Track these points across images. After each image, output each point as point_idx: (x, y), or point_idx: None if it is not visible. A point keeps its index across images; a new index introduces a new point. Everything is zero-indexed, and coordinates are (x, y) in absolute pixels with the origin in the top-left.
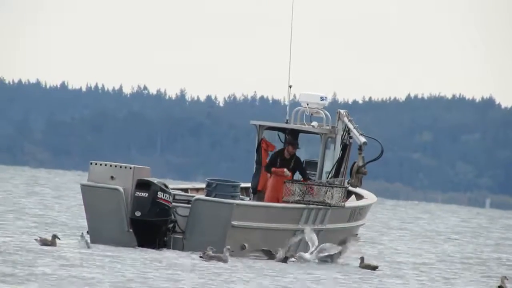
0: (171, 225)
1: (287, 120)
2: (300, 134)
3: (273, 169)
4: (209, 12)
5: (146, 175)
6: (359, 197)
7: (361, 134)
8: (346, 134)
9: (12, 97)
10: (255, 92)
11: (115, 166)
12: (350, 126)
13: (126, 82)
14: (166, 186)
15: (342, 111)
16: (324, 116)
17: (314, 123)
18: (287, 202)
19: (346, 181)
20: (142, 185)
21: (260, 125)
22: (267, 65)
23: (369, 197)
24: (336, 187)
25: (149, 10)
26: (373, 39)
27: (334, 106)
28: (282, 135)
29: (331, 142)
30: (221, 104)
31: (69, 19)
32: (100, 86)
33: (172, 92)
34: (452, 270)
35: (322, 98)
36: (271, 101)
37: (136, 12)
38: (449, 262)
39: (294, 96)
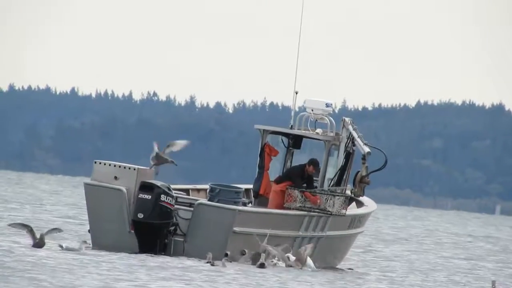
0: (172, 228)
1: (291, 125)
2: (304, 140)
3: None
4: (219, 19)
5: (150, 177)
6: (359, 204)
7: (365, 144)
8: (350, 142)
9: (22, 103)
10: (264, 98)
11: (119, 167)
12: (355, 134)
13: (135, 89)
14: (170, 189)
15: (347, 119)
16: (329, 122)
17: (319, 130)
18: (289, 208)
19: (349, 190)
20: (146, 187)
21: (264, 130)
22: (277, 72)
23: (369, 205)
24: (337, 195)
25: (159, 17)
26: (383, 45)
27: (343, 113)
28: (285, 140)
29: (335, 149)
30: (231, 111)
31: (80, 25)
32: (110, 92)
33: (181, 99)
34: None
35: (327, 105)
36: (280, 108)
37: (146, 19)
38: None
39: (305, 102)
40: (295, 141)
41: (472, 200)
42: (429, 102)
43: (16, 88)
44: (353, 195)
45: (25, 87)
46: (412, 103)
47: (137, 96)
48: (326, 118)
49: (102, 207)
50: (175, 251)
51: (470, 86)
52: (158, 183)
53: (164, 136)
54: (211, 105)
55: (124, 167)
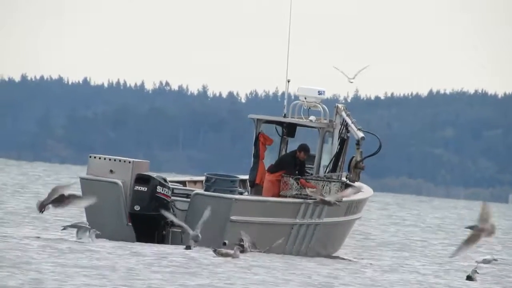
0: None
1: (284, 114)
2: (298, 128)
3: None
4: (231, 9)
5: (145, 169)
6: (355, 190)
7: (359, 129)
8: (344, 128)
9: (34, 93)
10: (276, 88)
11: (114, 160)
12: (348, 120)
13: (148, 78)
14: (165, 181)
15: (340, 105)
16: (322, 110)
17: (312, 117)
18: (285, 196)
19: (345, 176)
20: (142, 179)
21: (258, 119)
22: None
23: (365, 191)
24: (333, 181)
25: (172, 7)
26: (395, 34)
27: (356, 102)
28: (280, 129)
29: (329, 136)
30: (243, 100)
31: (92, 16)
32: (122, 82)
33: (194, 88)
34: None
35: (320, 92)
36: (293, 97)
37: (158, 9)
38: None
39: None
40: (289, 130)
41: (484, 189)
42: (442, 91)
43: (29, 78)
44: (348, 181)
45: (38, 77)
46: (424, 92)
47: (149, 86)
48: (319, 106)
49: (99, 201)
50: (173, 243)
51: (482, 75)
52: (154, 174)
53: (176, 126)
54: (224, 94)
55: (119, 160)
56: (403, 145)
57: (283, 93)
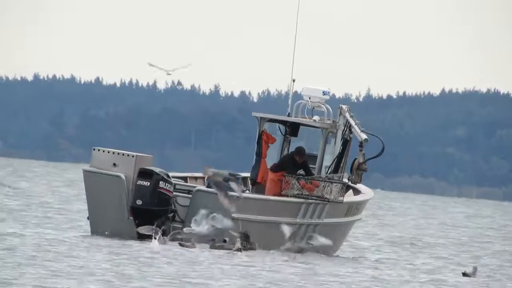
0: (171, 215)
1: (288, 113)
2: (301, 127)
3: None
4: (243, 8)
5: (148, 164)
6: (356, 192)
7: (362, 131)
8: (347, 129)
9: (47, 92)
10: (288, 87)
11: (118, 154)
12: (352, 122)
13: (160, 78)
14: (168, 176)
15: (344, 106)
16: (326, 110)
17: (316, 117)
18: (286, 195)
19: (347, 177)
20: (145, 174)
21: (261, 117)
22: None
23: (366, 193)
24: (335, 182)
25: (184, 6)
26: (407, 33)
27: (368, 102)
28: (283, 128)
29: (332, 136)
30: (255, 100)
31: (105, 15)
32: (134, 81)
33: (206, 88)
34: None
35: (324, 92)
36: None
37: (171, 8)
38: None
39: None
40: (292, 129)
41: (497, 188)
42: (454, 90)
43: (41, 77)
44: (350, 182)
45: (50, 77)
46: (436, 91)
47: (161, 85)
48: (323, 106)
49: (101, 194)
50: (174, 238)
51: (495, 74)
52: (157, 169)
53: (189, 125)
54: (236, 94)
55: (123, 154)
56: (415, 144)
57: (295, 92)
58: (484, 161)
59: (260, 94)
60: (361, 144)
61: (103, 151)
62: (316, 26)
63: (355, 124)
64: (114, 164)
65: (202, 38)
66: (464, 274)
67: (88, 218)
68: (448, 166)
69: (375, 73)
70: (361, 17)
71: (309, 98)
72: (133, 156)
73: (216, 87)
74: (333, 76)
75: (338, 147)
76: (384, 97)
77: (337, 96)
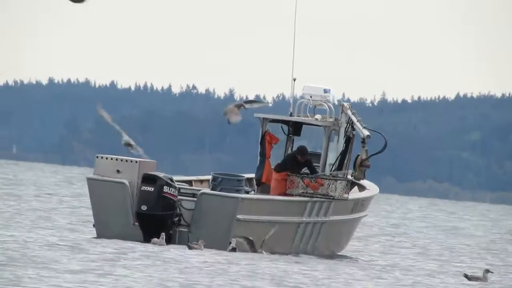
0: (176, 219)
1: (290, 112)
2: (304, 126)
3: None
4: (258, 11)
5: (152, 169)
6: (361, 188)
7: (364, 127)
8: (350, 127)
9: (62, 96)
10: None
11: (121, 160)
12: (354, 119)
13: (175, 82)
14: (172, 180)
15: (345, 104)
16: (328, 108)
17: (318, 116)
18: (291, 194)
19: (350, 174)
20: (148, 179)
21: (264, 118)
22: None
23: (371, 189)
24: (339, 179)
25: (199, 9)
26: (422, 38)
27: (383, 105)
28: (285, 128)
29: (335, 134)
30: (270, 104)
31: (119, 18)
32: (149, 85)
33: (220, 92)
34: None
35: (325, 91)
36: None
37: (185, 11)
38: None
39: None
40: (295, 128)
41: (511, 193)
42: (468, 95)
43: (56, 81)
44: (354, 179)
45: (65, 80)
46: (451, 96)
47: (176, 89)
48: (325, 104)
49: (105, 201)
50: (180, 242)
51: (510, 79)
52: (161, 174)
53: (203, 129)
54: (250, 98)
55: (126, 160)
56: (430, 149)
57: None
58: (499, 165)
59: (274, 98)
60: (363, 141)
61: (106, 158)
62: (332, 30)
63: (357, 121)
64: (118, 171)
65: (217, 41)
66: (467, 277)
67: (93, 225)
68: (462, 170)
69: (390, 77)
70: (377, 22)
71: (311, 97)
72: (136, 162)
73: (231, 90)
74: (348, 80)
75: (341, 145)
76: (399, 101)
77: (351, 100)
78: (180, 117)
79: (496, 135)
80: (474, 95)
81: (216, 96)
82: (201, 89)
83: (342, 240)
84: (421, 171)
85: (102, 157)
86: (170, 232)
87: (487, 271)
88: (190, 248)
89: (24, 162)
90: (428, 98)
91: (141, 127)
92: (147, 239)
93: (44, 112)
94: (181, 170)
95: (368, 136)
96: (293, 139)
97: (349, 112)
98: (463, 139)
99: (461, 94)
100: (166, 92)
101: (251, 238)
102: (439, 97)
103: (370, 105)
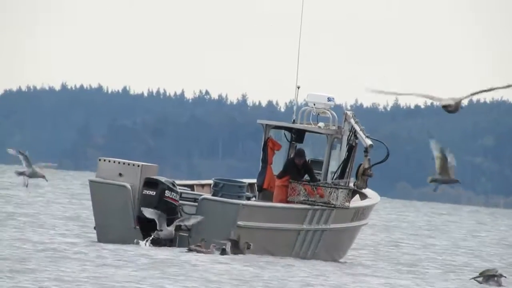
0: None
1: (294, 119)
2: (307, 134)
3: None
4: (273, 16)
5: (154, 173)
6: (363, 196)
7: (367, 137)
8: (352, 135)
9: (74, 102)
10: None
11: (123, 163)
12: (357, 127)
13: (187, 87)
14: (174, 185)
15: (349, 112)
16: (331, 116)
17: (321, 124)
18: (292, 202)
19: (352, 183)
20: (150, 183)
21: (266, 125)
22: (327, 69)
23: (372, 197)
24: (341, 188)
25: (212, 15)
26: (435, 44)
27: (396, 111)
28: (288, 135)
29: (337, 142)
30: (282, 109)
31: (132, 24)
32: (162, 91)
33: (233, 97)
34: None
35: (329, 99)
36: (333, 106)
37: (197, 17)
38: None
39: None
40: (298, 135)
41: None
42: (481, 100)
43: (69, 87)
44: (356, 188)
45: (77, 86)
46: (464, 101)
47: (189, 95)
48: (328, 112)
49: (107, 204)
50: (180, 246)
51: None
52: (163, 179)
53: (216, 135)
54: (263, 103)
55: (128, 164)
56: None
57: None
58: None
59: (287, 103)
60: (366, 150)
61: (109, 161)
62: (345, 35)
63: (360, 129)
64: (120, 174)
65: (229, 46)
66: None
67: (94, 228)
68: (476, 175)
69: (403, 82)
70: (389, 27)
71: (314, 105)
72: (138, 166)
73: (243, 96)
74: (360, 85)
75: (343, 153)
76: (412, 106)
77: (364, 106)
78: (193, 123)
79: (509, 140)
80: (487, 101)
81: (228, 102)
82: (214, 95)
83: (342, 248)
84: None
85: (104, 160)
86: (171, 236)
87: (500, 275)
88: (190, 250)
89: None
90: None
91: (154, 132)
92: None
93: (56, 118)
94: (194, 176)
95: (371, 146)
96: (296, 146)
97: (352, 120)
98: (476, 144)
99: (474, 99)
100: (179, 98)
101: (235, 238)
102: None
103: (383, 110)
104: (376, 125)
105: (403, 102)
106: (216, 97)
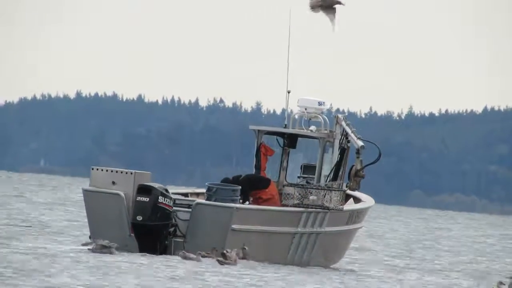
0: (172, 229)
1: (285, 125)
2: (299, 139)
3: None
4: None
5: (146, 180)
6: (357, 200)
7: (358, 138)
8: (344, 138)
9: (89, 109)
10: (331, 104)
11: (116, 172)
12: (348, 130)
13: (202, 95)
14: (167, 191)
15: (340, 115)
16: (322, 120)
17: (313, 128)
18: (286, 205)
19: (345, 184)
20: (143, 190)
21: (259, 130)
22: (343, 77)
23: (367, 200)
24: (334, 190)
25: (226, 24)
26: (449, 52)
27: (410, 119)
28: (281, 140)
29: (329, 146)
30: (297, 117)
31: (146, 33)
32: (176, 99)
33: (248, 105)
34: None
35: (320, 103)
36: (347, 113)
37: (213, 26)
38: None
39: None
40: (290, 140)
41: None
42: (496, 108)
43: (83, 95)
44: (349, 189)
45: (92, 94)
46: (478, 109)
47: (203, 103)
48: (320, 116)
49: (101, 212)
50: (176, 252)
51: None
52: (156, 185)
53: (230, 143)
54: (278, 111)
55: (121, 172)
56: (457, 162)
57: (337, 110)
58: None
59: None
60: (358, 151)
61: (102, 170)
62: (359, 44)
63: (351, 132)
64: (113, 182)
65: (243, 54)
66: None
67: (90, 237)
68: (490, 183)
69: (418, 90)
70: (404, 35)
71: (305, 109)
72: (131, 173)
73: (258, 104)
74: (375, 93)
75: (336, 156)
76: (427, 114)
77: (379, 114)
78: (207, 131)
79: None
80: (502, 108)
81: (243, 110)
82: (228, 103)
83: (338, 252)
84: (449, 184)
85: (97, 169)
86: (166, 242)
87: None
88: (185, 258)
89: (52, 175)
90: (456, 112)
91: (168, 140)
92: (142, 250)
93: (71, 126)
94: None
95: (362, 147)
96: (289, 152)
97: (343, 123)
98: (490, 152)
99: (489, 107)
100: (193, 106)
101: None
102: (466, 110)
103: (397, 118)
104: (390, 133)
105: (418, 110)
106: (231, 105)
